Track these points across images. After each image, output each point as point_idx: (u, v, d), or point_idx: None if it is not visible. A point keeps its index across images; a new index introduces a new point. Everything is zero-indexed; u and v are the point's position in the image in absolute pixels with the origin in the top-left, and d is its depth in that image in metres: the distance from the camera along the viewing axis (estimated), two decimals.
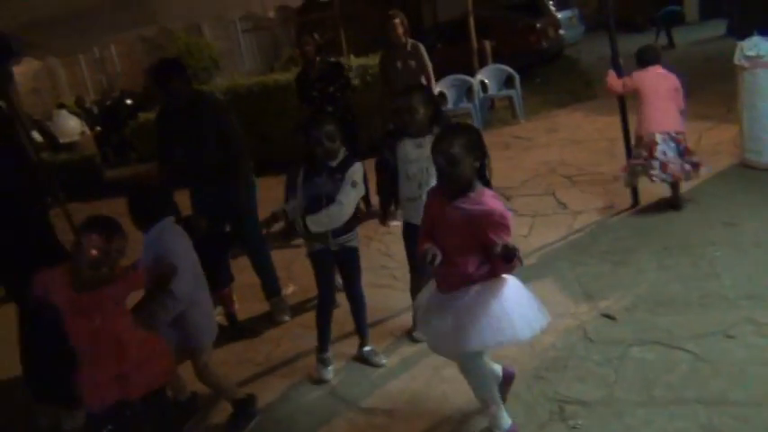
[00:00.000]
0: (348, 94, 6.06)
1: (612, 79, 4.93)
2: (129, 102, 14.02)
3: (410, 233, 3.48)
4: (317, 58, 5.87)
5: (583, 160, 6.64)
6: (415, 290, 3.52)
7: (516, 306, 2.54)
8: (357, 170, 3.37)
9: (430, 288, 2.81)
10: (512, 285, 2.59)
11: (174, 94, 4.03)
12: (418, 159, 3.39)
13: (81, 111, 14.78)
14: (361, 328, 3.67)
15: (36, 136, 11.38)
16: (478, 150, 2.54)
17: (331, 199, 3.31)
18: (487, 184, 2.59)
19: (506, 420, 2.74)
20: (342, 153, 3.38)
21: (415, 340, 3.68)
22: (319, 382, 3.50)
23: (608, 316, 3.57)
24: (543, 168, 6.66)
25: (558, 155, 7.06)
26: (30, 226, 3.26)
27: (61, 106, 14.58)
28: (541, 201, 5.69)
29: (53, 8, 4.12)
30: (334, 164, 3.36)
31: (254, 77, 10.65)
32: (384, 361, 3.58)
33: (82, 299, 2.46)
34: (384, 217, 3.88)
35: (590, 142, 7.28)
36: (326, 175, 3.35)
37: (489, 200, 2.49)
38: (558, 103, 9.89)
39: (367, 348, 3.64)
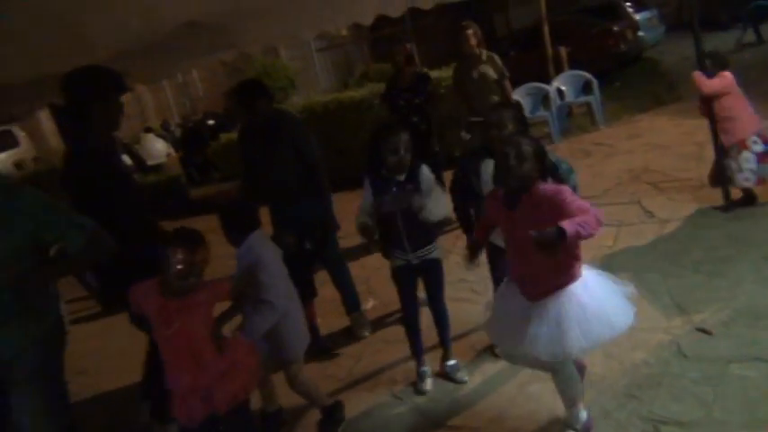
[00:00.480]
0: (429, 108, 6.05)
1: (702, 80, 4.69)
2: (210, 123, 14.57)
3: (493, 254, 3.40)
4: (408, 68, 5.91)
5: (669, 166, 6.35)
6: None
7: (608, 300, 2.53)
8: (428, 174, 3.35)
9: (506, 295, 2.77)
10: (596, 278, 2.59)
11: (258, 113, 4.14)
12: None
13: (166, 133, 15.47)
14: (444, 342, 3.63)
15: (126, 159, 11.98)
16: (542, 163, 2.57)
17: (407, 213, 3.27)
18: None
19: (584, 413, 2.77)
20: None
21: (496, 356, 3.60)
22: (420, 393, 3.50)
23: (704, 330, 3.37)
24: (627, 176, 6.42)
25: (642, 161, 6.78)
26: (140, 242, 3.39)
27: (148, 130, 15.31)
28: (626, 209, 5.46)
29: (139, 39, 4.32)
30: (402, 177, 3.32)
31: (329, 95, 10.84)
32: (466, 378, 3.52)
33: (170, 305, 2.55)
34: (470, 243, 3.34)
35: (676, 147, 6.96)
36: (397, 188, 3.31)
37: (546, 189, 2.52)
38: (640, 108, 9.52)
39: (451, 363, 3.60)
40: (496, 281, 3.53)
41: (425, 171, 3.36)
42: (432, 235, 3.43)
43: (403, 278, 3.50)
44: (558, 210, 2.40)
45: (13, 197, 2.50)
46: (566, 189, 2.51)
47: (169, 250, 2.57)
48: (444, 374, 3.58)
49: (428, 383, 3.54)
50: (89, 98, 3.07)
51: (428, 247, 3.42)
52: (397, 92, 6.05)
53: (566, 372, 2.70)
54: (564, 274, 2.54)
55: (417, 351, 3.60)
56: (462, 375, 3.53)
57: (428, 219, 3.29)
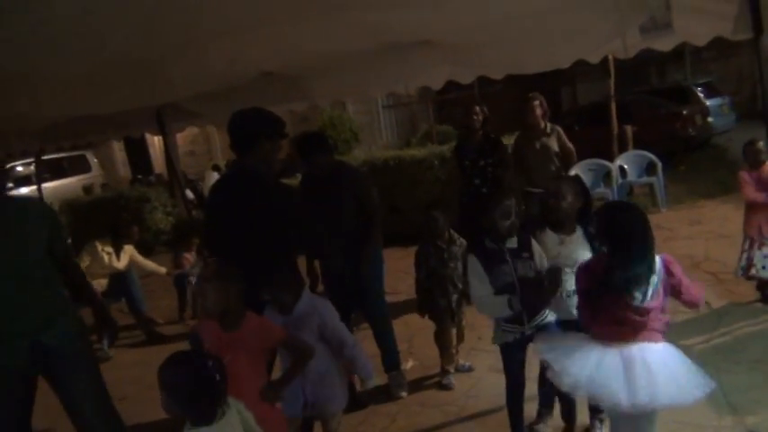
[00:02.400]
0: (500, 173, 6.06)
1: (745, 185, 4.85)
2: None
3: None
4: (480, 131, 5.98)
5: (730, 257, 6.12)
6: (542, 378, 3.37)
7: (689, 367, 2.65)
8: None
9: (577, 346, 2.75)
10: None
11: (316, 165, 4.26)
12: (557, 256, 3.18)
13: None
14: (566, 420, 3.47)
15: (189, 194, 12.36)
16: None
17: (526, 283, 3.10)
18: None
19: None
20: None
21: None
22: None
23: None
24: (686, 262, 6.23)
25: (703, 249, 6.60)
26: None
27: (215, 168, 15.79)
28: None
29: (218, 84, 4.56)
30: (513, 244, 3.18)
31: (390, 151, 11.01)
32: None
33: (223, 337, 2.63)
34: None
35: (739, 237, 6.73)
36: (511, 258, 3.15)
37: None
38: (705, 194, 9.31)
39: None
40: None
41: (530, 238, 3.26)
42: (546, 300, 3.17)
43: (516, 353, 3.25)
44: None
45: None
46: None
47: (202, 284, 2.70)
48: None
49: None
50: (258, 134, 3.35)
51: (543, 314, 3.21)
52: (465, 152, 6.09)
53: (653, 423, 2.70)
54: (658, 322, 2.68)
55: (517, 423, 3.36)
56: None
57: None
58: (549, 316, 3.20)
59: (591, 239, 3.15)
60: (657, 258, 2.69)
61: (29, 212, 2.95)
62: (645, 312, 2.61)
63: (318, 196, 4.25)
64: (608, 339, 2.65)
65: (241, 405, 2.22)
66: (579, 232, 3.23)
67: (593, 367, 2.60)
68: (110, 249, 6.20)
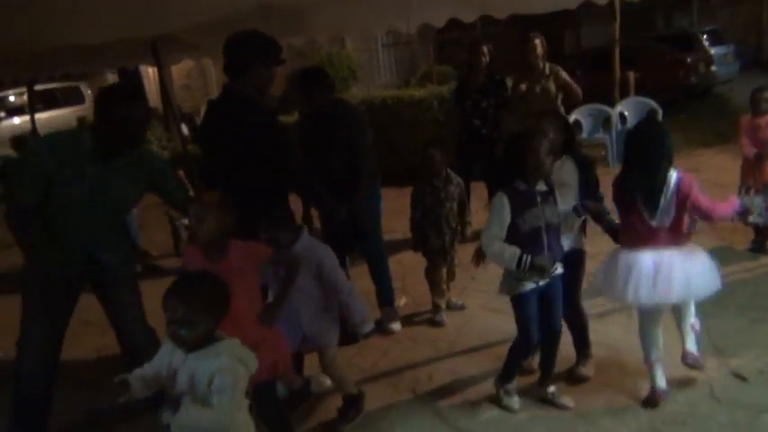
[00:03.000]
0: (502, 114, 6.01)
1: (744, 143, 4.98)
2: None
3: None
4: (485, 71, 5.89)
5: None
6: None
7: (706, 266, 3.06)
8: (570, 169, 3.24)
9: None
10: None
11: (316, 102, 4.20)
12: None
13: None
14: (547, 367, 3.32)
15: (184, 129, 12.24)
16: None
17: (553, 229, 3.04)
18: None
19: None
20: None
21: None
22: (508, 410, 3.26)
23: (739, 376, 3.30)
24: None
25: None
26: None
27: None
28: None
29: (214, 15, 4.44)
30: (543, 187, 3.04)
31: (389, 90, 10.87)
32: (571, 404, 3.24)
33: (212, 269, 2.61)
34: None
35: (735, 187, 6.76)
36: (541, 200, 3.01)
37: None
38: (704, 143, 9.28)
39: (551, 389, 3.30)
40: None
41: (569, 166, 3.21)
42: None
43: (531, 304, 3.10)
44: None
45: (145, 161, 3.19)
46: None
47: (194, 210, 2.71)
48: (546, 400, 3.28)
49: (516, 400, 3.27)
50: (251, 58, 3.25)
51: (558, 263, 3.12)
52: (467, 92, 6.03)
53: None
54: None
55: (512, 370, 3.28)
56: (567, 402, 3.25)
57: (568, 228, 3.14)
58: (559, 268, 3.13)
59: (579, 166, 3.25)
60: (674, 174, 2.93)
61: None
62: (662, 226, 2.95)
63: (317, 134, 4.23)
64: (636, 247, 3.01)
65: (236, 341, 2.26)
66: (566, 160, 3.24)
67: (626, 271, 2.99)
68: None
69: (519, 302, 3.11)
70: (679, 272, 2.94)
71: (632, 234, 3.04)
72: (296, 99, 5.98)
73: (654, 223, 2.96)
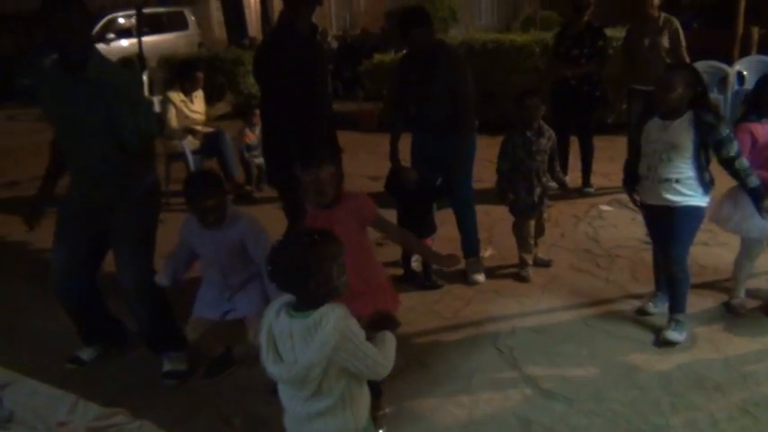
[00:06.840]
0: (592, 66, 5.76)
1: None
2: (367, 41, 14.65)
3: (646, 214, 3.54)
4: (585, 18, 5.66)
5: None
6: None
7: None
8: None
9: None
10: None
11: (415, 42, 4.09)
12: (656, 141, 3.26)
13: (324, 43, 15.74)
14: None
15: None
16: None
17: None
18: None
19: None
20: None
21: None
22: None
23: None
24: None
25: None
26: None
27: None
28: None
29: None
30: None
31: (490, 33, 10.52)
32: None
33: (320, 216, 2.65)
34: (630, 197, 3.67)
35: None
36: None
37: None
38: None
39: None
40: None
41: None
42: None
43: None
44: None
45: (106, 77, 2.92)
46: None
47: (314, 185, 2.60)
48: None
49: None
50: None
51: None
52: (563, 38, 5.85)
53: None
54: None
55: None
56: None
57: None
58: None
59: (699, 124, 3.15)
60: None
61: None
62: None
63: (416, 76, 4.14)
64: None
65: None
66: (686, 116, 3.19)
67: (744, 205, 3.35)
68: (182, 97, 6.27)
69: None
70: None
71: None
72: (394, 37, 5.88)
73: None
